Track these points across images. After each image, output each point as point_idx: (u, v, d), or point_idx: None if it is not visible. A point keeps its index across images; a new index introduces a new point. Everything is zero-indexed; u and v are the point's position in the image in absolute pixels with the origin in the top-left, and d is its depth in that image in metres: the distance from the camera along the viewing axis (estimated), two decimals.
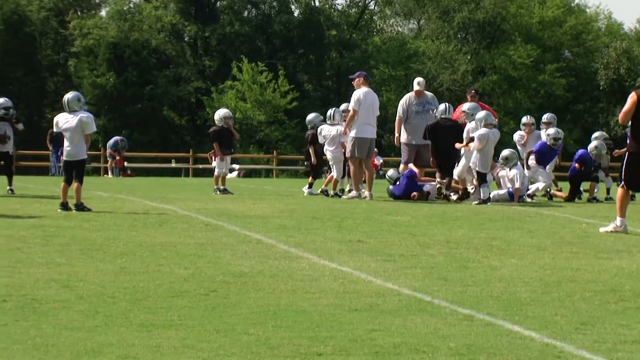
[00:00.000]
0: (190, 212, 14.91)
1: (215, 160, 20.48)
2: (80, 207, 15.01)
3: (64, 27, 67.41)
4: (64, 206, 15.06)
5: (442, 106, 19.39)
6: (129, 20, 65.08)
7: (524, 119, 21.81)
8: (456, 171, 18.86)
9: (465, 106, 19.22)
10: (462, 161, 18.65)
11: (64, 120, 15.39)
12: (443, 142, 18.79)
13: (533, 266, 9.94)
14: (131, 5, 68.00)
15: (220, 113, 21.08)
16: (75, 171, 15.30)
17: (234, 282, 8.64)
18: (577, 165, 20.17)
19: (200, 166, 44.73)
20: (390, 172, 19.85)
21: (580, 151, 20.81)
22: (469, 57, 66.53)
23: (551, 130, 20.36)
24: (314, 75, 68.99)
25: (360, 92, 18.77)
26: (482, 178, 18.22)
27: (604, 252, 11.23)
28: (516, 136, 21.77)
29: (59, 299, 7.72)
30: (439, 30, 68.44)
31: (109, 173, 39.44)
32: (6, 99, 19.78)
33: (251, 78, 57.89)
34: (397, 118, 19.92)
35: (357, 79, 19.09)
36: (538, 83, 66.04)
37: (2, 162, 19.40)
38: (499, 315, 7.41)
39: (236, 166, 43.00)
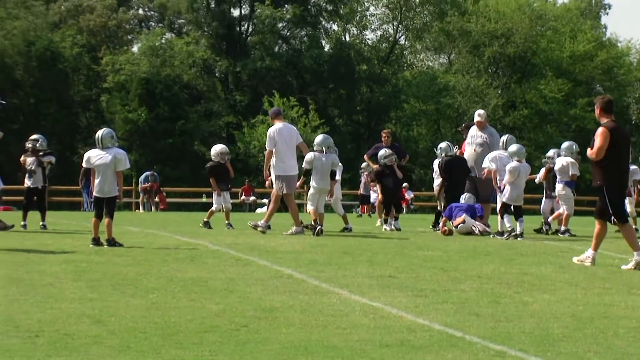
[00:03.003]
0: (221, 247, 14.93)
1: (214, 195, 20.69)
2: (111, 242, 15.06)
3: (97, 63, 67.99)
4: (96, 241, 15.11)
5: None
6: (161, 56, 65.55)
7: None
8: (310, 207, 18.46)
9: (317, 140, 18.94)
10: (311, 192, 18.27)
11: (96, 157, 15.40)
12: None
13: (565, 302, 9.87)
14: (163, 41, 68.56)
15: (216, 148, 21.06)
16: (106, 207, 15.35)
17: (264, 317, 8.62)
18: None
19: (230, 201, 44.77)
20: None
21: None
22: (499, 92, 66.53)
23: None
24: (345, 110, 69.14)
25: (274, 129, 18.43)
26: (517, 212, 18.21)
27: (637, 287, 11.13)
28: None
29: (91, 334, 7.73)
30: (469, 64, 68.55)
31: (140, 208, 39.69)
32: (40, 135, 20.15)
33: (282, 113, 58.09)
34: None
35: (270, 119, 19.04)
36: (569, 117, 65.91)
37: (35, 198, 19.60)
38: (531, 351, 7.35)
39: (266, 201, 43.08)
